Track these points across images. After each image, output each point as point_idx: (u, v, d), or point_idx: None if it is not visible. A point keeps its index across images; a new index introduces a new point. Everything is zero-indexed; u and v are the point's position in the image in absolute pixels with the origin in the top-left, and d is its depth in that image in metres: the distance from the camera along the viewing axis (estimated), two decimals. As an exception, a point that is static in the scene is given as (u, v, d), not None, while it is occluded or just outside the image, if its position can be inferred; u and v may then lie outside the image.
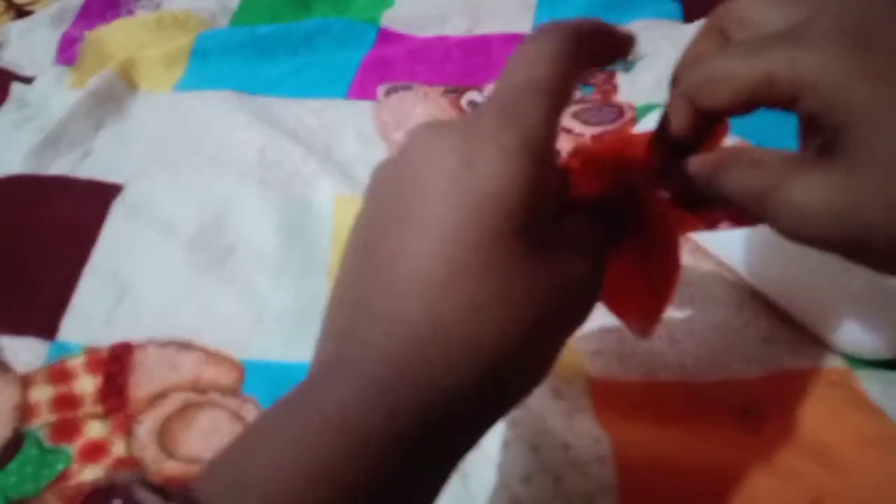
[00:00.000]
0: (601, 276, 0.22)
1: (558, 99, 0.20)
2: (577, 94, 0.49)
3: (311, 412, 0.18)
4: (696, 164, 0.22)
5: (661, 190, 0.24)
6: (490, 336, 0.18)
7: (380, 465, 0.17)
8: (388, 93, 0.52)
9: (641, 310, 0.26)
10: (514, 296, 0.19)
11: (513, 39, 0.56)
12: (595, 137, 0.23)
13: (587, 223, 0.23)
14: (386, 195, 0.20)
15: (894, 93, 0.17)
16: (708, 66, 0.21)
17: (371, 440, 0.17)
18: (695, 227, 0.25)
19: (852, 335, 0.32)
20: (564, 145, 0.44)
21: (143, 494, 0.16)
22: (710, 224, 0.25)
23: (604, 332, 0.35)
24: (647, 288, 0.25)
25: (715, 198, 0.22)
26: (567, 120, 0.47)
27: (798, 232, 0.19)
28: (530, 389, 0.21)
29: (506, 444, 0.30)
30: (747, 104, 0.20)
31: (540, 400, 0.32)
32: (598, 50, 0.22)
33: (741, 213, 0.22)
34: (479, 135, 0.19)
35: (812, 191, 0.19)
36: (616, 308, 0.27)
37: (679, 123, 0.22)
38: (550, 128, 0.19)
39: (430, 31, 0.58)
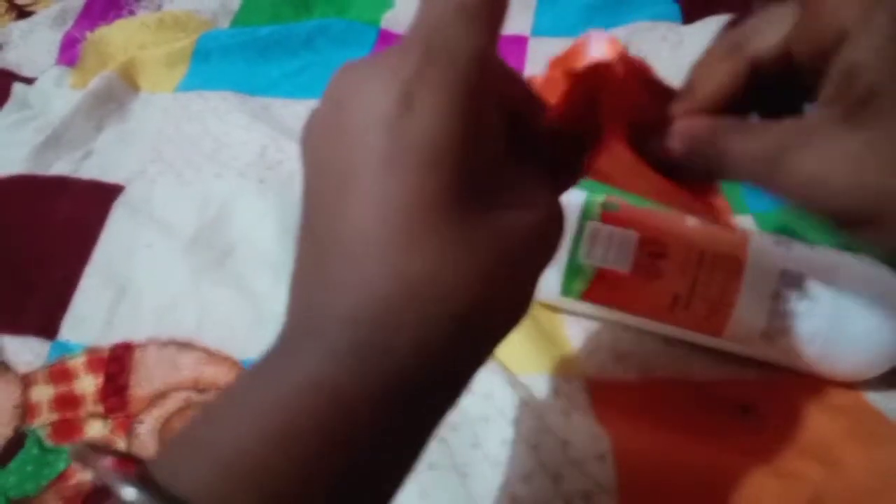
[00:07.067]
0: (560, 213, 0.21)
1: (491, 21, 0.18)
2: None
3: (278, 379, 0.17)
4: (697, 127, 0.21)
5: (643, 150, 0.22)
6: (458, 290, 0.18)
7: (353, 430, 0.17)
8: (388, 93, 0.52)
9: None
10: (475, 247, 0.18)
11: (513, 40, 0.56)
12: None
13: (541, 169, 0.21)
14: (323, 152, 0.19)
15: None
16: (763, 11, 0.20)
17: (344, 405, 0.16)
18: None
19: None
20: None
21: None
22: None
23: (599, 330, 0.35)
24: None
25: (708, 166, 0.21)
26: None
27: (811, 199, 0.18)
28: (507, 334, 0.20)
29: (505, 443, 0.30)
30: (788, 51, 0.19)
31: (539, 397, 0.32)
32: None
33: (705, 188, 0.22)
34: (408, 72, 0.17)
35: (834, 156, 0.18)
36: None
37: (721, 79, 0.21)
38: (483, 57, 0.18)
39: (430, 32, 0.58)
